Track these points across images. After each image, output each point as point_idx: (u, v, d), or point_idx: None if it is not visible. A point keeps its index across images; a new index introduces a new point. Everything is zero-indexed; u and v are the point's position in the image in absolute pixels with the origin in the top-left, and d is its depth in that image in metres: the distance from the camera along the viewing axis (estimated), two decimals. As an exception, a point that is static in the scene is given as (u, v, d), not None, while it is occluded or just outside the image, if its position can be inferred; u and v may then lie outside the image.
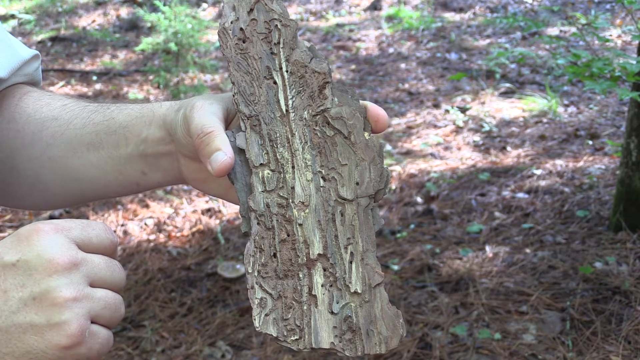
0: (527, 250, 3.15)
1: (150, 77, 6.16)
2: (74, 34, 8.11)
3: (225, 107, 0.72)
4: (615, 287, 2.77)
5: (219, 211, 3.83)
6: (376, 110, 0.70)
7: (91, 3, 9.06)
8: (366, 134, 0.69)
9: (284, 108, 0.69)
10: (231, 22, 0.72)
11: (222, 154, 0.65)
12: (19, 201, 0.94)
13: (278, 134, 0.69)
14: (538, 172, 3.94)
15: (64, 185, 0.84)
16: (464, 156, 4.34)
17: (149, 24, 6.79)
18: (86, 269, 0.56)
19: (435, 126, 4.91)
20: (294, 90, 0.70)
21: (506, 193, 3.75)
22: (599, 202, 3.48)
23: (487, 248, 3.20)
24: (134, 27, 8.15)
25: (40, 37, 7.85)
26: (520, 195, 3.70)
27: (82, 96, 5.99)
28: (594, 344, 2.49)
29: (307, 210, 0.66)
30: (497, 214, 3.54)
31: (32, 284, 0.52)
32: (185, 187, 4.06)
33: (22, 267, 0.53)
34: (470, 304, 2.79)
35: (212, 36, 7.66)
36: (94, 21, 8.61)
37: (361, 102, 0.71)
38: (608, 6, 6.98)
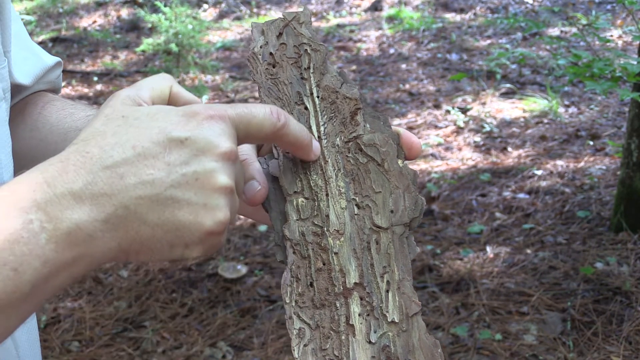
0: (528, 251, 3.15)
1: (151, 78, 6.16)
2: (74, 34, 8.12)
3: None
4: (616, 288, 2.77)
5: (220, 212, 3.83)
6: (409, 137, 0.69)
7: (92, 4, 9.07)
8: (400, 162, 0.68)
9: (316, 134, 0.68)
10: (260, 47, 0.71)
11: (257, 183, 0.65)
12: None
13: (311, 161, 0.68)
14: (539, 172, 3.94)
15: None
16: (464, 157, 4.34)
17: (149, 25, 6.79)
18: (236, 167, 0.57)
19: (436, 127, 4.91)
20: (325, 117, 0.69)
21: (507, 193, 3.75)
22: (600, 203, 3.48)
23: (488, 248, 3.20)
24: (134, 27, 8.15)
25: (41, 38, 7.86)
26: (521, 195, 3.71)
27: (83, 98, 6.00)
28: (595, 345, 2.49)
29: (342, 239, 0.66)
30: (497, 214, 3.54)
31: (196, 164, 0.53)
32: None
33: (190, 146, 0.53)
34: (471, 305, 2.79)
35: (213, 37, 7.66)
36: (94, 22, 8.62)
37: (393, 128, 0.70)
38: (609, 7, 6.99)
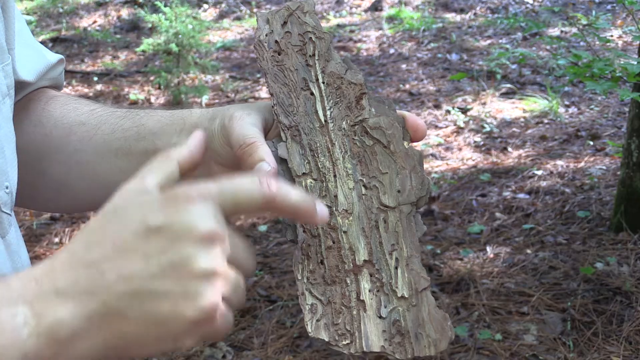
0: (528, 251, 3.15)
1: (151, 78, 6.17)
2: (74, 34, 8.12)
3: (263, 117, 0.73)
4: (616, 288, 2.77)
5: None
6: (415, 120, 0.71)
7: (92, 4, 9.07)
8: (405, 143, 0.70)
9: (322, 118, 0.71)
10: (266, 35, 0.74)
11: (266, 164, 0.66)
12: (44, 205, 0.94)
13: (318, 144, 0.70)
14: (539, 172, 3.94)
15: (91, 191, 0.84)
16: (464, 157, 4.34)
17: (149, 25, 6.79)
18: (227, 246, 0.54)
19: (436, 127, 4.91)
20: (331, 101, 0.72)
21: (507, 194, 3.75)
22: (600, 203, 3.48)
23: (488, 249, 3.20)
24: (134, 27, 8.15)
25: (41, 38, 7.85)
26: (521, 195, 3.71)
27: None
28: (595, 345, 2.49)
29: (350, 218, 0.68)
30: (498, 214, 3.54)
31: (173, 251, 0.51)
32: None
33: (166, 232, 0.52)
34: (471, 305, 2.79)
35: (213, 37, 7.66)
36: (94, 22, 8.62)
37: (398, 112, 0.72)
38: (609, 7, 6.99)
